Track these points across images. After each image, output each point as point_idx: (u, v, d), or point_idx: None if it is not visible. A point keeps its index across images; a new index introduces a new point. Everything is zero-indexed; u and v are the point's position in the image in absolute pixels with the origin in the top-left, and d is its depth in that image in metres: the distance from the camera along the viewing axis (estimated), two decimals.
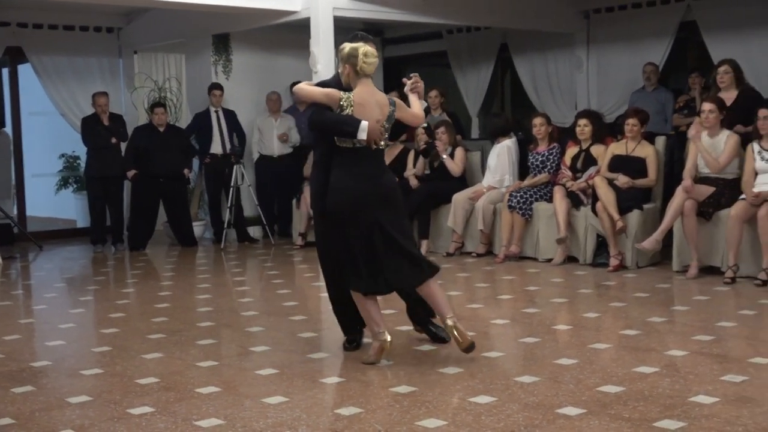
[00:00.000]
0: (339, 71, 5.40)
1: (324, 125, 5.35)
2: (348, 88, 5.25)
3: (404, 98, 5.63)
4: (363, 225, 5.11)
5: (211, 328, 6.42)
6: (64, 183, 13.41)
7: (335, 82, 5.43)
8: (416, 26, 12.04)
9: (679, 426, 4.02)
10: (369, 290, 5.23)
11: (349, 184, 5.14)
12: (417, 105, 5.46)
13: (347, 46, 5.22)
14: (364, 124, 5.06)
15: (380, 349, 5.18)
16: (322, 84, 5.56)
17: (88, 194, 11.42)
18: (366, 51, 5.16)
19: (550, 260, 8.84)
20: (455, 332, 5.11)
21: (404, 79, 5.59)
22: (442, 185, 9.75)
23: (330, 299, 5.71)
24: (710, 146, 7.99)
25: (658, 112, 10.06)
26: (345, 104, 5.14)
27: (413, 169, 9.98)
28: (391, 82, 14.01)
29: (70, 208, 13.53)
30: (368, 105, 5.15)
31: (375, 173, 5.23)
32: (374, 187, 5.17)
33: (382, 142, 5.24)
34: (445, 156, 9.76)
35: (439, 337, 5.66)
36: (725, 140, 7.92)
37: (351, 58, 5.17)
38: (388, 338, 5.19)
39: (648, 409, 4.27)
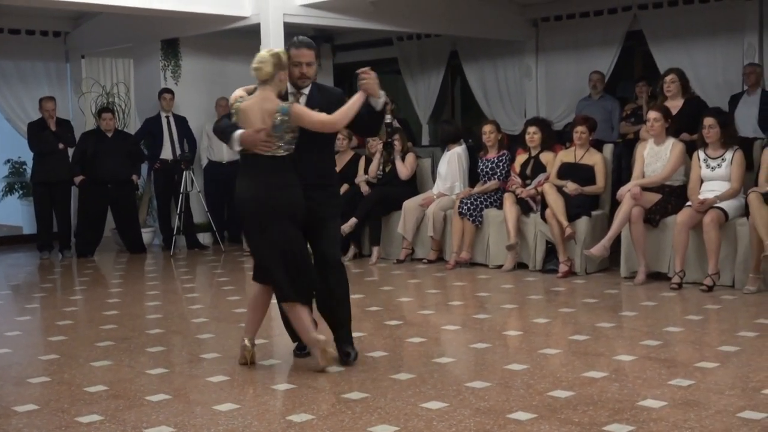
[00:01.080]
0: None
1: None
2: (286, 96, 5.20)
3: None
4: (270, 233, 5.05)
5: (160, 335, 6.36)
6: (9, 189, 13.20)
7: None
8: (367, 33, 12.06)
9: (627, 430, 4.06)
10: (289, 299, 5.16)
11: (248, 193, 5.09)
12: (344, 108, 5.09)
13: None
14: (237, 134, 4.96)
15: (322, 352, 5.09)
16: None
17: (34, 200, 11.31)
18: (257, 57, 5.03)
19: (500, 266, 8.88)
20: (323, 353, 5.08)
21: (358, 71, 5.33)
22: (393, 191, 9.76)
23: (279, 306, 5.55)
24: (656, 154, 8.10)
25: (605, 120, 10.16)
26: (233, 111, 5.12)
27: (364, 175, 9.99)
28: (343, 89, 14.04)
29: (15, 214, 13.34)
30: (252, 112, 5.00)
31: (274, 182, 5.04)
32: (269, 196, 5.02)
33: (281, 150, 5.02)
34: (397, 156, 9.80)
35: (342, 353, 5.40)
36: (671, 148, 8.02)
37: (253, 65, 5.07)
38: (322, 338, 5.15)
39: (597, 414, 4.30)
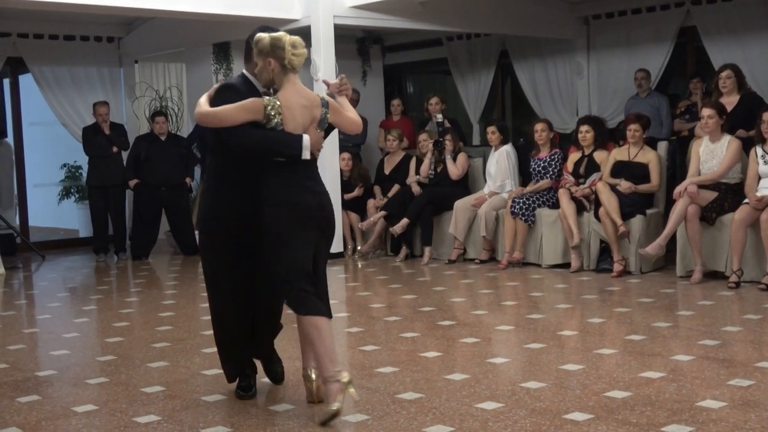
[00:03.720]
0: (254, 69, 4.48)
1: (256, 149, 4.33)
2: (266, 89, 4.51)
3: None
4: (309, 239, 4.41)
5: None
6: (66, 193, 13.42)
7: (242, 83, 4.58)
8: (416, 33, 12.08)
9: (687, 431, 4.02)
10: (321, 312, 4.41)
11: (292, 198, 4.35)
12: (352, 109, 4.67)
13: (266, 37, 4.36)
14: (306, 140, 4.31)
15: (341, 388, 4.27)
16: (227, 88, 4.51)
17: (90, 204, 11.41)
18: (293, 41, 4.34)
19: (558, 266, 8.87)
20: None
21: (326, 80, 4.85)
22: (444, 192, 9.77)
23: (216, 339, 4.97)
24: (711, 151, 8.00)
25: (653, 118, 10.02)
26: (272, 112, 4.28)
27: (415, 176, 10.00)
28: (392, 89, 14.08)
29: (72, 217, 13.53)
30: (295, 109, 4.34)
31: (315, 187, 4.47)
32: (320, 202, 4.47)
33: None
34: (448, 156, 9.80)
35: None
36: (726, 145, 7.93)
37: (276, 50, 4.32)
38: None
39: (655, 414, 4.27)
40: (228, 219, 4.55)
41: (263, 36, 4.35)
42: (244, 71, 4.65)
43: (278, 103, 4.28)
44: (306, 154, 4.32)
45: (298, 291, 4.34)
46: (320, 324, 4.31)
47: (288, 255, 4.34)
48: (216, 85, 4.60)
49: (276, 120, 4.27)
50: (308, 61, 9.22)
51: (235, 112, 4.25)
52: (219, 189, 4.62)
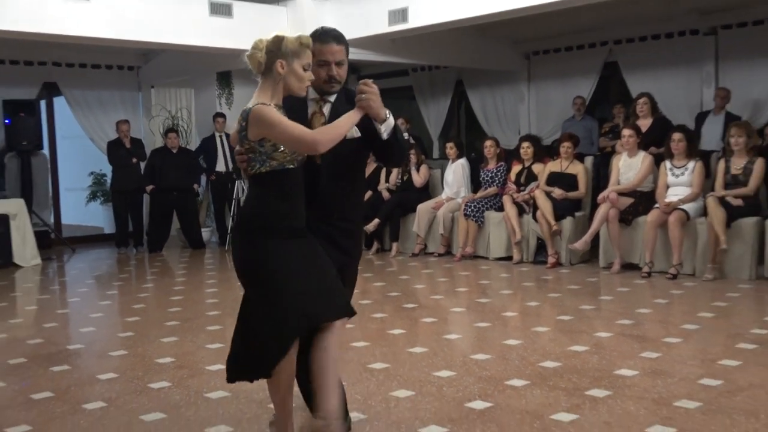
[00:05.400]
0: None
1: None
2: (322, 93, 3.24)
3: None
4: None
5: (217, 316, 6.41)
6: (92, 196, 13.32)
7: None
8: (387, 65, 12.08)
9: (606, 394, 4.06)
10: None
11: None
12: (330, 126, 3.03)
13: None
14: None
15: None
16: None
17: (113, 205, 11.41)
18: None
19: (502, 258, 8.89)
20: None
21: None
22: (409, 197, 9.78)
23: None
24: (629, 164, 8.09)
25: (586, 137, 10.15)
26: None
27: (385, 184, 10.01)
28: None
29: (97, 216, 13.45)
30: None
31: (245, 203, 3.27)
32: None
33: (250, 167, 3.05)
34: (413, 167, 9.84)
35: None
36: (641, 160, 8.02)
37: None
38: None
39: (580, 381, 4.30)
40: None
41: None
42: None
43: None
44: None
45: None
46: None
47: None
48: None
49: None
50: None
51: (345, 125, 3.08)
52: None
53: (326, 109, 3.22)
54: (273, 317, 3.03)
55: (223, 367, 3.37)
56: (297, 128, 2.94)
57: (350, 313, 3.14)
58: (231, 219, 10.96)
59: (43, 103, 12.18)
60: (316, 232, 3.16)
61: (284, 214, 3.06)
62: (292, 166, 3.02)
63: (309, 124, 3.14)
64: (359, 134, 3.14)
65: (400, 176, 9.95)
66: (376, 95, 3.01)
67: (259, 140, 2.98)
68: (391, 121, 3.08)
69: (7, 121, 11.15)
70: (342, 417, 3.10)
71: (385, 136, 3.07)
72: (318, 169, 3.16)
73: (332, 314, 3.06)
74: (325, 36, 3.16)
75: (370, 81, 3.05)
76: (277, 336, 3.03)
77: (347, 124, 3.01)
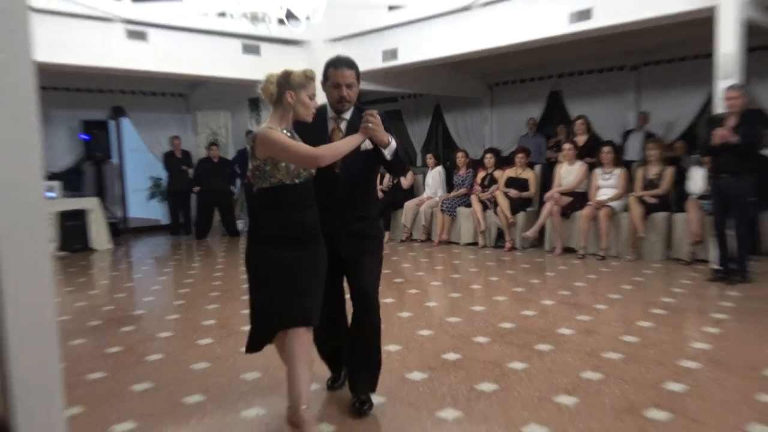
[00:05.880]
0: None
1: None
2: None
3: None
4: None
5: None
6: (152, 195, 13.27)
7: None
8: (381, 93, 12.08)
9: (549, 348, 4.10)
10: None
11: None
12: (335, 144, 2.80)
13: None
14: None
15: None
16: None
17: (168, 202, 11.40)
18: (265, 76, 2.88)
19: (470, 244, 8.90)
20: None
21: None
22: (399, 196, 9.79)
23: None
24: (569, 171, 8.12)
25: (536, 150, 10.17)
26: None
27: (379, 186, 10.03)
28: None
29: (156, 211, 13.39)
30: None
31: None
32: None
33: (255, 183, 2.84)
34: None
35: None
36: (578, 168, 8.05)
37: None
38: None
39: (530, 338, 4.34)
40: None
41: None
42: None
43: None
44: None
45: None
46: None
47: None
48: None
49: None
50: None
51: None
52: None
53: (343, 125, 3.09)
54: (258, 308, 2.87)
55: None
56: (300, 146, 2.73)
57: (308, 323, 2.78)
58: None
59: (112, 123, 12.14)
60: (338, 229, 3.03)
61: (278, 225, 2.79)
62: (290, 182, 2.77)
63: (330, 139, 3.03)
64: (371, 146, 2.97)
65: (391, 180, 9.97)
66: (379, 125, 2.85)
67: (263, 159, 2.76)
68: (393, 145, 2.93)
69: (85, 137, 11.13)
70: (306, 404, 2.76)
71: (388, 157, 2.95)
72: (336, 178, 3.02)
73: (295, 322, 2.77)
74: (338, 62, 3.02)
75: (375, 112, 2.87)
76: (260, 324, 2.88)
77: (348, 146, 2.82)
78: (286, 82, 2.81)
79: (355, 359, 3.20)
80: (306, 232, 2.84)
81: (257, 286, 2.85)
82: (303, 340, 2.77)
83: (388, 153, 2.95)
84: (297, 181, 2.79)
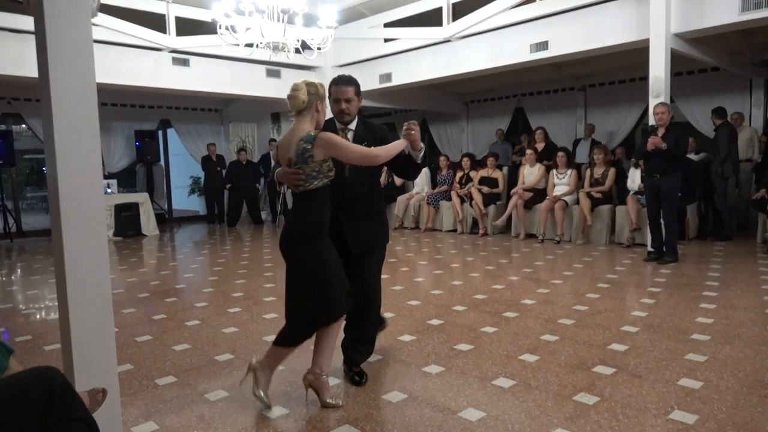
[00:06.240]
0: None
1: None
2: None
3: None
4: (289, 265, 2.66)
5: (271, 267, 6.36)
6: (192, 191, 13.22)
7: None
8: (377, 109, 12.02)
9: (515, 315, 4.06)
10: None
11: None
12: (388, 147, 2.71)
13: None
14: (277, 172, 2.67)
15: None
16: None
17: (205, 197, 11.31)
18: (292, 85, 2.68)
19: (450, 231, 8.85)
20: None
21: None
22: (393, 192, 9.70)
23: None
24: (531, 172, 8.07)
25: (504, 154, 10.13)
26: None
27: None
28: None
29: (195, 204, 13.35)
30: (284, 145, 2.64)
31: (290, 218, 2.65)
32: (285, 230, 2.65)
33: (305, 184, 2.56)
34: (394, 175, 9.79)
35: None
36: (538, 169, 8.00)
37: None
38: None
39: (499, 307, 4.30)
40: None
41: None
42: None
43: (279, 142, 2.72)
44: (279, 187, 3.11)
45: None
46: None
47: None
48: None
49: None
50: None
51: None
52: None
53: (350, 135, 2.92)
54: (326, 299, 2.60)
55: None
56: (360, 147, 2.63)
57: (349, 306, 2.70)
58: (279, 205, 10.91)
59: (160, 133, 12.06)
60: (347, 224, 2.87)
61: (326, 220, 2.61)
62: (329, 182, 2.61)
63: None
64: (408, 151, 2.88)
65: (386, 179, 9.91)
66: (418, 133, 2.83)
67: (321, 161, 2.53)
68: (423, 150, 2.89)
69: (138, 144, 11.04)
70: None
71: (419, 160, 2.87)
72: (346, 180, 2.84)
73: (347, 305, 2.68)
74: (339, 80, 2.91)
75: (414, 122, 2.82)
76: (327, 311, 2.62)
77: (397, 148, 2.74)
78: (316, 92, 2.64)
79: (358, 336, 3.05)
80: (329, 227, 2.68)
81: (329, 278, 2.57)
82: (340, 321, 2.72)
83: (419, 155, 2.88)
84: (329, 181, 2.62)
